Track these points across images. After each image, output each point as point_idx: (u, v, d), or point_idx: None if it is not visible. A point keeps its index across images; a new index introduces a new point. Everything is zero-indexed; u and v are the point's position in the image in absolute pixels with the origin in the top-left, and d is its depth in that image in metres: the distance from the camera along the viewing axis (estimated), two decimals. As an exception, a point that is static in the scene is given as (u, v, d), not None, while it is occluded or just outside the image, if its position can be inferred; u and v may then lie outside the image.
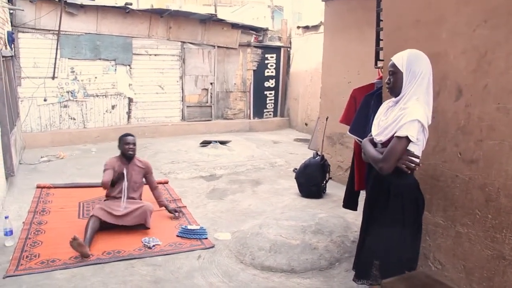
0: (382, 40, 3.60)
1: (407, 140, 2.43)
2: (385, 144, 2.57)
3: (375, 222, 2.71)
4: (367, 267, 2.78)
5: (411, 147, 2.49)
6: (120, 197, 4.74)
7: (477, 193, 2.57)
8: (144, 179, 5.14)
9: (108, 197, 4.92)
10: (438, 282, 2.76)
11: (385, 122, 2.60)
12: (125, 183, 4.75)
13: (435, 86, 2.87)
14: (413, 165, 2.49)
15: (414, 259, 2.74)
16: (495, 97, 2.44)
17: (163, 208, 5.29)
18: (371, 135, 2.76)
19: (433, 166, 2.92)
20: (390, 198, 2.60)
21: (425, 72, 2.50)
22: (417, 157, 2.50)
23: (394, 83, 2.57)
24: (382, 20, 3.65)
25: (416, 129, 2.42)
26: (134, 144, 4.99)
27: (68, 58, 9.69)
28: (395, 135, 2.47)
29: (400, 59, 2.54)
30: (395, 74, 2.55)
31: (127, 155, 4.92)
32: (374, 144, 2.70)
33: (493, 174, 2.46)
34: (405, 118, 2.43)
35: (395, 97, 2.60)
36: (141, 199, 5.04)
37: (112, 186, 4.77)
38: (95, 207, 4.66)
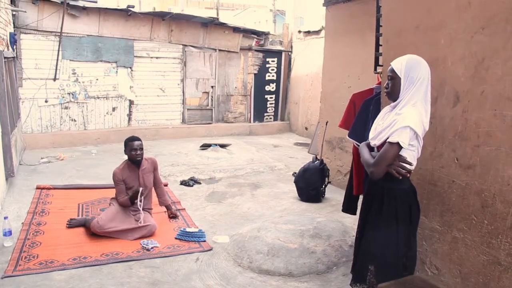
0: (381, 45, 3.62)
1: (398, 146, 2.42)
2: (379, 148, 2.58)
3: (369, 226, 2.72)
4: (362, 271, 2.79)
5: (404, 153, 2.49)
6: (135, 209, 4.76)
7: (474, 198, 2.59)
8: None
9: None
10: (434, 287, 2.77)
11: (381, 127, 2.61)
12: (141, 201, 4.72)
13: (433, 92, 2.89)
14: (404, 171, 2.49)
15: (410, 265, 2.74)
16: (492, 103, 2.45)
17: (163, 210, 5.32)
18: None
19: (430, 172, 2.93)
20: (384, 202, 2.60)
21: (424, 78, 2.49)
22: (409, 163, 2.50)
23: (392, 88, 2.58)
24: (382, 26, 3.67)
25: (408, 136, 2.41)
26: (141, 149, 4.84)
27: (70, 60, 9.72)
28: (387, 140, 2.47)
29: (399, 64, 2.54)
30: (394, 80, 2.55)
31: (135, 161, 4.84)
32: (371, 148, 2.71)
33: (489, 180, 2.47)
34: (398, 124, 2.43)
35: (393, 101, 2.61)
36: (151, 200, 5.07)
37: (132, 204, 4.75)
38: (101, 222, 4.57)
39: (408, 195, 2.64)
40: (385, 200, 2.60)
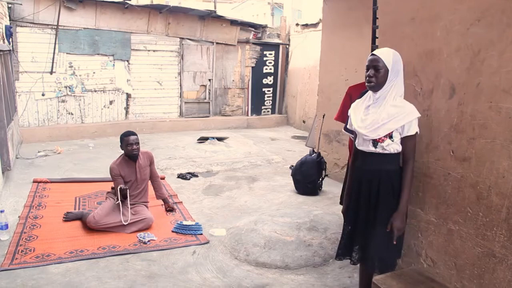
0: (378, 38, 3.61)
1: (416, 135, 2.71)
2: (380, 140, 2.70)
3: (380, 214, 2.80)
4: (370, 257, 2.90)
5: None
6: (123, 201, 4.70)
7: (469, 191, 2.59)
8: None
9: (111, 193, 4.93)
10: (429, 279, 2.79)
11: (372, 118, 2.71)
12: (128, 200, 4.69)
13: (429, 84, 2.89)
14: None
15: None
16: (487, 95, 2.45)
17: (159, 203, 5.33)
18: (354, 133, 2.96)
19: (426, 164, 2.93)
20: (394, 184, 2.78)
21: (402, 71, 2.73)
22: None
23: (378, 79, 2.68)
24: (378, 18, 3.65)
25: (417, 124, 2.69)
26: (137, 143, 4.84)
27: (67, 53, 9.70)
28: (408, 134, 2.67)
29: (387, 56, 2.67)
30: (380, 70, 2.67)
31: (131, 156, 4.82)
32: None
33: (485, 172, 2.47)
34: (409, 116, 2.64)
35: (374, 92, 2.74)
36: (147, 193, 5.07)
37: (125, 198, 4.70)
38: (97, 217, 4.55)
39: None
40: (394, 182, 2.78)
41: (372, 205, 2.84)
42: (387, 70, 2.65)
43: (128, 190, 4.67)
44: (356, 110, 2.88)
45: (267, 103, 12.91)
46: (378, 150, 2.74)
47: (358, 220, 2.94)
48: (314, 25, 11.49)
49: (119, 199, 4.61)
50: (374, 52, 2.74)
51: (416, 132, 2.67)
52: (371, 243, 2.83)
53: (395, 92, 2.68)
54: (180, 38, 11.16)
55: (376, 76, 2.67)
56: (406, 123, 2.63)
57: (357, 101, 2.95)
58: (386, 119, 2.64)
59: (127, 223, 4.55)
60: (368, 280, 2.99)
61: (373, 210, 2.83)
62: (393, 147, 2.71)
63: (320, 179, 6.26)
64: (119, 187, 4.63)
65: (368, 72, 2.72)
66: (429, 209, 2.93)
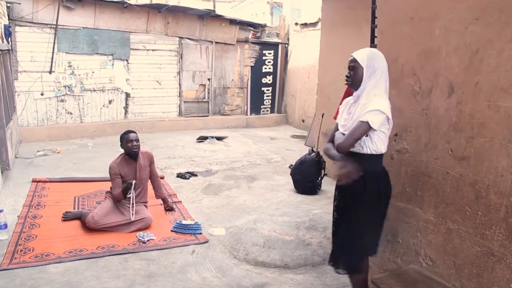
0: (377, 37, 3.61)
1: (368, 125, 2.56)
2: None
3: (347, 211, 2.83)
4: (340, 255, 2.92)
5: (375, 135, 2.63)
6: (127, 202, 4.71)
7: (468, 190, 2.59)
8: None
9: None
10: (428, 278, 2.80)
11: (352, 121, 2.71)
12: (133, 194, 4.66)
13: (428, 83, 2.90)
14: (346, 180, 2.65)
15: (374, 244, 2.86)
16: (486, 94, 2.45)
17: (159, 203, 5.33)
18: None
19: (424, 163, 2.93)
20: (367, 185, 2.71)
21: (383, 68, 2.68)
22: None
23: (354, 77, 2.73)
24: (377, 17, 3.65)
25: (379, 118, 2.56)
26: (137, 140, 4.81)
27: (66, 53, 9.68)
28: (360, 119, 2.59)
29: (360, 55, 2.71)
30: (355, 69, 2.71)
31: (132, 153, 4.79)
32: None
33: (483, 171, 2.47)
34: (368, 107, 2.58)
35: (355, 90, 2.75)
36: (146, 193, 5.06)
37: (125, 197, 4.69)
38: (96, 217, 4.55)
39: (385, 176, 2.82)
40: (368, 182, 2.69)
41: (341, 206, 2.88)
42: (362, 68, 2.67)
43: (134, 183, 4.65)
44: (343, 109, 2.92)
45: (266, 102, 12.90)
46: (354, 149, 2.71)
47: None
48: (313, 24, 11.48)
49: (131, 199, 4.61)
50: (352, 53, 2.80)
51: (368, 122, 2.53)
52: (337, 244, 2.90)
53: (374, 91, 2.64)
54: (179, 37, 11.14)
55: (352, 74, 2.73)
56: (365, 112, 2.57)
57: (346, 99, 2.96)
58: (355, 119, 2.67)
59: (133, 218, 4.57)
60: (354, 282, 2.98)
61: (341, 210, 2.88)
62: (368, 145, 2.65)
63: (319, 178, 6.26)
64: (130, 181, 4.61)
65: (347, 72, 2.79)
66: (428, 208, 2.93)
